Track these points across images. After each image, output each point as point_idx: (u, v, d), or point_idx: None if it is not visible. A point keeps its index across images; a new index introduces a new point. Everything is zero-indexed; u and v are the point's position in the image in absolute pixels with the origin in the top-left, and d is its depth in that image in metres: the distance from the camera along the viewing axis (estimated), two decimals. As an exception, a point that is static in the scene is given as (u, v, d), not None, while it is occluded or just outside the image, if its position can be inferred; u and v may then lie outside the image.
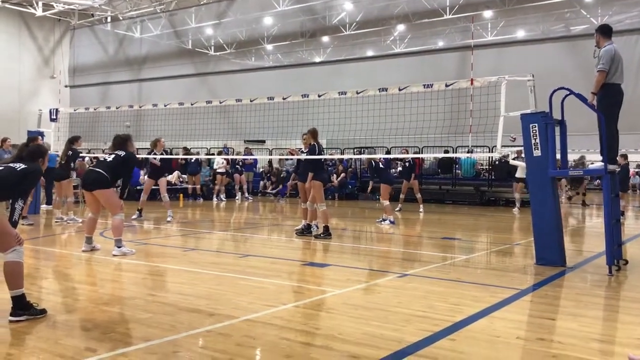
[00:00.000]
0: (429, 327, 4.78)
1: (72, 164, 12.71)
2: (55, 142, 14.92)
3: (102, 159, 9.84)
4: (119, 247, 8.35)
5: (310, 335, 4.56)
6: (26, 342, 4.31)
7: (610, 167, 7.41)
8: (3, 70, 33.08)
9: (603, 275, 7.19)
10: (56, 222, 12.66)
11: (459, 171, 21.26)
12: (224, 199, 20.65)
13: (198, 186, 20.77)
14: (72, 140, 12.66)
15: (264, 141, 28.25)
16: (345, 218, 15.73)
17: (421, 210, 16.78)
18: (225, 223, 13.42)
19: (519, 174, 16.36)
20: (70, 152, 12.48)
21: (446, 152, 20.24)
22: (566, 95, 7.46)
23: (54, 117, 14.87)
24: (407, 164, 17.17)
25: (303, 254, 9.24)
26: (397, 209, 16.52)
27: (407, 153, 16.83)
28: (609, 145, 7.41)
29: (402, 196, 17.18)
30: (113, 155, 8.64)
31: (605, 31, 7.83)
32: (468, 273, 7.58)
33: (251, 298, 5.95)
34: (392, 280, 6.84)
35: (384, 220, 13.07)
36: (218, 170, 20.74)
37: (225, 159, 20.82)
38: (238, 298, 6.02)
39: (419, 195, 17.18)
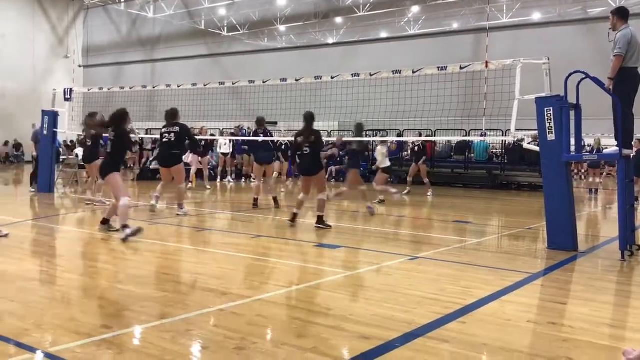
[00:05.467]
0: (439, 309, 4.81)
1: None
2: (69, 122, 15.02)
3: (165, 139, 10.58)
4: (181, 207, 10.49)
5: (321, 315, 4.60)
6: (43, 318, 4.38)
7: (626, 151, 7.35)
8: (17, 50, 33.25)
9: (615, 260, 7.17)
10: (87, 204, 12.02)
11: (472, 154, 21.15)
12: (232, 180, 20.55)
13: (206, 168, 20.65)
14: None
15: (276, 123, 28.25)
16: (357, 200, 15.72)
17: (429, 194, 16.16)
18: (235, 204, 13.49)
19: (383, 163, 13.39)
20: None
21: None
22: (582, 79, 7.37)
23: (68, 96, 14.96)
24: (416, 147, 16.91)
25: (315, 235, 9.27)
26: (406, 192, 16.22)
27: (420, 137, 16.47)
28: (625, 130, 7.33)
29: (409, 179, 16.91)
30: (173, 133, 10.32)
31: (622, 14, 7.68)
32: (479, 256, 7.58)
33: (263, 278, 6.02)
34: (403, 262, 6.87)
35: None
36: (221, 152, 20.57)
37: (228, 139, 20.52)
38: (250, 278, 6.08)
39: (426, 180, 16.60)
